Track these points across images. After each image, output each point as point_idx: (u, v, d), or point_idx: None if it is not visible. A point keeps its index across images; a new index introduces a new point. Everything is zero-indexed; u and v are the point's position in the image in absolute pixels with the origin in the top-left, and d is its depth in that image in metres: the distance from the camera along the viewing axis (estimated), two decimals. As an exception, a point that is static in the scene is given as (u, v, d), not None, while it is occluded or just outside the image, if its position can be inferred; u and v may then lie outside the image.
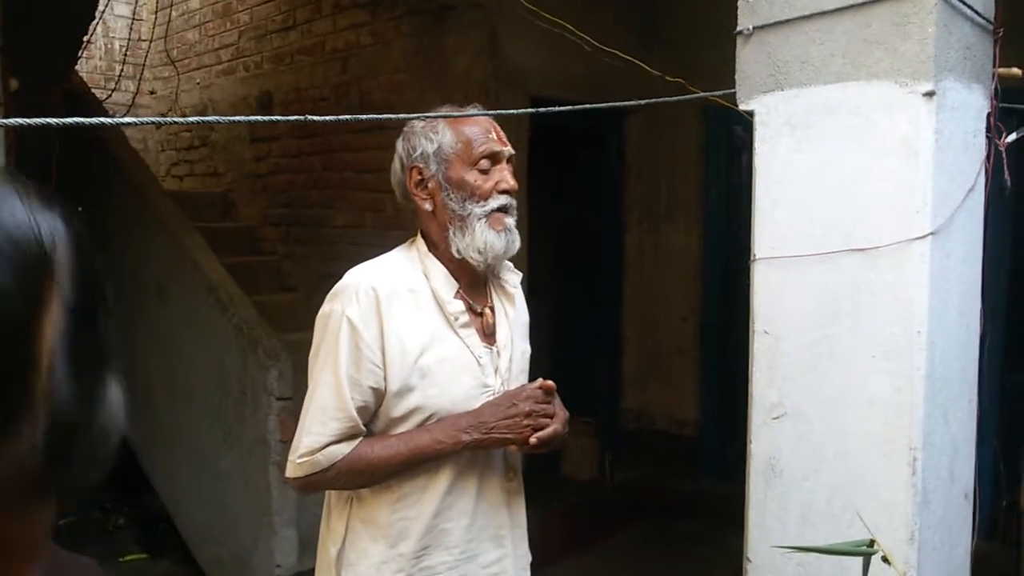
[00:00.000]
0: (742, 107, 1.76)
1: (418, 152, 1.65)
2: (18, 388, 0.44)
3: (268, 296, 4.60)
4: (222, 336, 3.51)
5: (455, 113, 1.71)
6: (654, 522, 4.53)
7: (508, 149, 1.68)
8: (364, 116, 1.66)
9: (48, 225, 0.48)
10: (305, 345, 1.69)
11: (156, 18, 5.96)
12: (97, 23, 4.47)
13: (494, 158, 1.65)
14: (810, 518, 1.68)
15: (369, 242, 4.27)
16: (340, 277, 1.64)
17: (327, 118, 1.55)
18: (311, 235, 4.92)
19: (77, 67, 4.65)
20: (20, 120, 1.23)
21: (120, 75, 5.42)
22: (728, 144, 4.65)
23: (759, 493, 1.75)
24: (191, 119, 1.43)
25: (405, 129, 1.71)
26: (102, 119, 1.29)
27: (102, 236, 3.84)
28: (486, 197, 1.63)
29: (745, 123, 1.81)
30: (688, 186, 4.79)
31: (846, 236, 1.63)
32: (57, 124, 1.26)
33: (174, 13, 5.91)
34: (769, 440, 1.73)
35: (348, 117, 1.56)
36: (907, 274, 1.57)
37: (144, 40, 6.03)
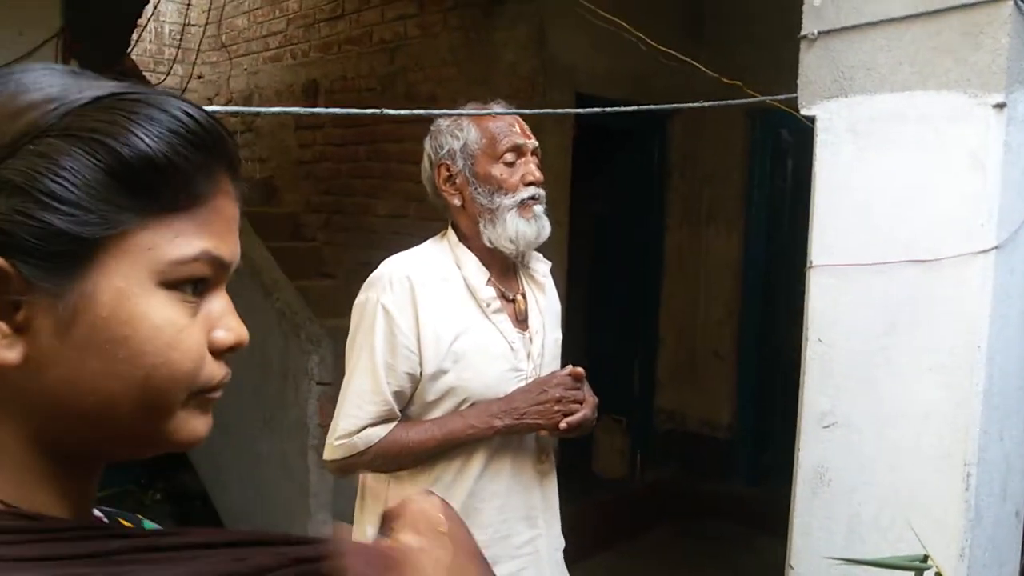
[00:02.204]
0: (803, 112, 1.74)
1: (445, 150, 1.70)
2: None
3: (307, 282, 4.64)
4: (265, 320, 3.55)
5: (505, 110, 1.74)
6: (684, 523, 4.52)
7: (532, 142, 1.73)
8: (406, 112, 1.67)
9: None
10: (343, 331, 1.74)
11: (209, 2, 6.02)
12: (152, 6, 4.52)
13: (519, 151, 1.70)
14: (857, 530, 1.67)
15: (411, 232, 4.26)
16: (379, 266, 1.69)
17: (370, 110, 1.57)
18: (353, 223, 4.96)
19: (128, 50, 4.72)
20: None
21: (175, 60, 5.49)
22: (774, 148, 4.60)
23: (805, 501, 1.74)
24: (240, 109, 1.46)
25: (432, 128, 1.76)
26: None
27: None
28: (514, 189, 1.68)
29: (792, 127, 1.80)
30: (731, 189, 4.75)
31: (907, 247, 1.61)
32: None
33: (224, -1, 5.97)
34: (818, 449, 1.72)
35: (394, 112, 1.58)
36: (969, 288, 1.55)
37: (193, 25, 6.10)
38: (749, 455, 4.67)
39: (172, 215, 0.56)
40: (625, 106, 2.06)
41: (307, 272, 4.91)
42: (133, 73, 4.61)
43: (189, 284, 0.57)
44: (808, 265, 1.74)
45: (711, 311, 4.85)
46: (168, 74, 5.40)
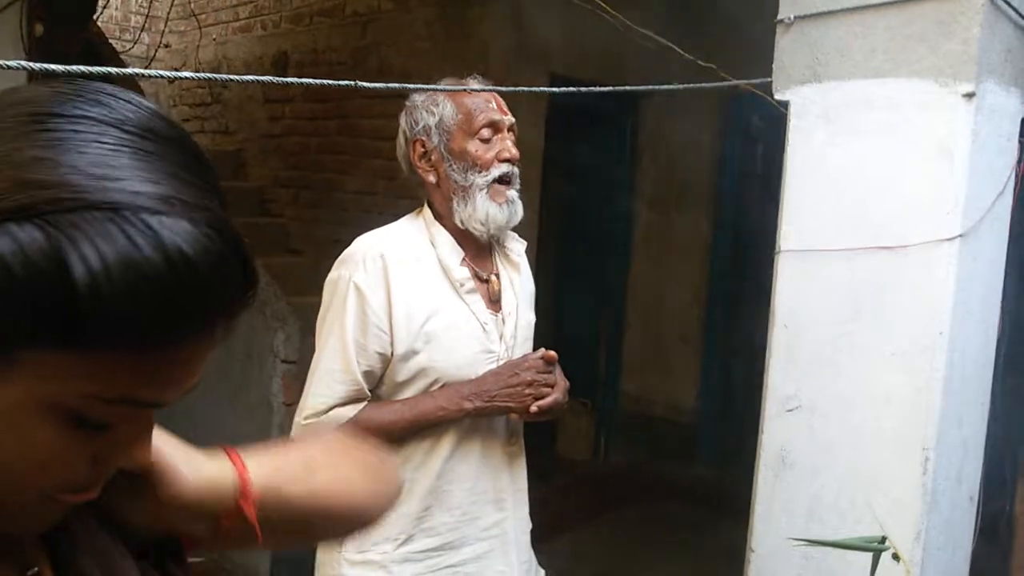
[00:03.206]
0: (778, 97, 1.74)
1: (420, 125, 1.68)
2: None
3: (274, 258, 4.59)
4: (229, 295, 3.50)
5: (481, 87, 1.72)
6: (647, 506, 4.56)
7: (509, 118, 1.71)
8: (380, 85, 1.65)
9: None
10: (310, 308, 1.71)
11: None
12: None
13: (495, 127, 1.68)
14: (818, 512, 1.69)
15: (380, 209, 4.25)
16: (348, 242, 1.67)
17: (344, 83, 1.54)
18: (321, 199, 4.90)
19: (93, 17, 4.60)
20: (48, 66, 1.21)
21: (142, 28, 5.36)
22: (745, 132, 4.62)
23: (767, 484, 1.76)
24: (210, 75, 1.43)
25: (407, 103, 1.73)
26: (139, 71, 1.28)
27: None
28: (488, 167, 1.65)
29: (764, 112, 1.80)
30: (701, 172, 4.76)
31: (874, 233, 1.63)
32: (83, 72, 1.24)
33: (193, -34, 5.84)
34: (781, 432, 1.74)
35: (368, 85, 1.56)
36: (934, 275, 1.57)
37: (161, -8, 5.96)
38: (713, 438, 4.72)
39: (105, 352, 0.47)
40: (599, 87, 2.05)
41: (275, 248, 4.85)
42: (99, 40, 4.50)
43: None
44: (776, 250, 1.75)
45: (678, 294, 4.88)
46: (134, 43, 5.27)
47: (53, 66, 1.21)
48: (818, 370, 1.69)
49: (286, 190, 5.17)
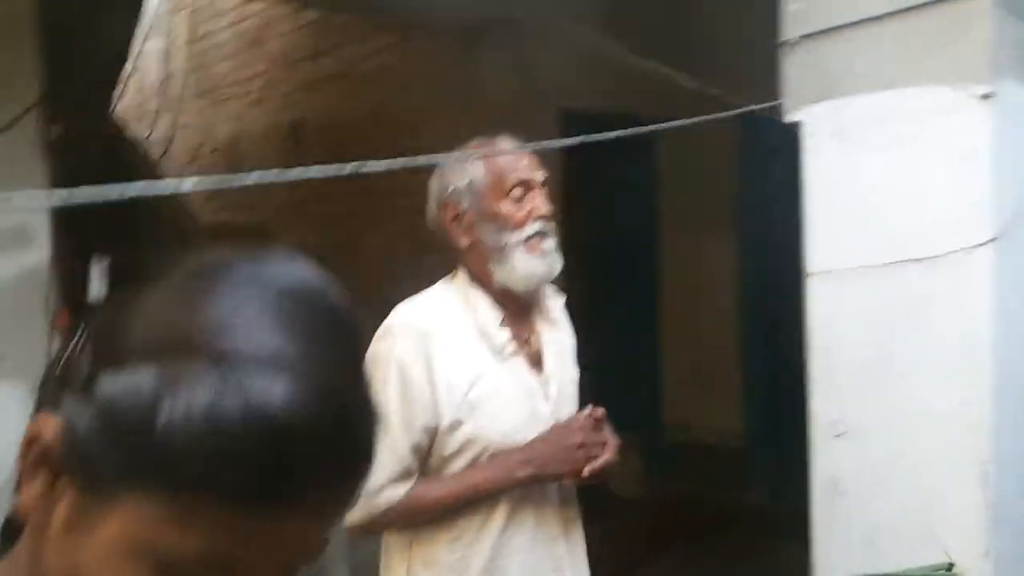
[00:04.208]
0: (788, 118, 1.72)
1: (451, 188, 1.65)
2: None
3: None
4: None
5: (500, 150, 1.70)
6: (702, 539, 4.45)
7: (539, 174, 1.68)
8: (386, 162, 1.64)
9: None
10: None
11: (188, 49, 6.04)
12: (132, 59, 4.54)
13: (526, 185, 1.65)
14: (876, 539, 1.63)
15: (404, 268, 4.27)
16: (374, 302, 1.64)
17: (349, 166, 1.53)
18: (346, 262, 4.95)
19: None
20: (86, 190, 1.22)
21: (158, 110, 5.50)
22: (765, 151, 4.59)
23: (823, 513, 1.70)
24: (212, 185, 1.45)
25: (436, 167, 1.71)
26: (170, 186, 1.28)
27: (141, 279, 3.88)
28: (521, 225, 1.62)
29: (779, 130, 1.78)
30: (722, 194, 4.72)
31: (902, 246, 1.59)
32: (120, 196, 1.23)
33: (205, 45, 5.99)
34: (831, 459, 1.69)
35: (379, 165, 1.55)
36: (969, 282, 1.53)
37: (174, 77, 6.10)
38: (762, 464, 4.61)
39: (185, 502, 0.47)
40: (610, 117, 2.04)
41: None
42: (118, 134, 4.60)
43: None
44: (804, 273, 1.72)
45: (712, 319, 4.81)
46: (152, 128, 5.40)
47: (49, 191, 1.21)
48: (861, 392, 1.64)
49: (311, 256, 5.23)
